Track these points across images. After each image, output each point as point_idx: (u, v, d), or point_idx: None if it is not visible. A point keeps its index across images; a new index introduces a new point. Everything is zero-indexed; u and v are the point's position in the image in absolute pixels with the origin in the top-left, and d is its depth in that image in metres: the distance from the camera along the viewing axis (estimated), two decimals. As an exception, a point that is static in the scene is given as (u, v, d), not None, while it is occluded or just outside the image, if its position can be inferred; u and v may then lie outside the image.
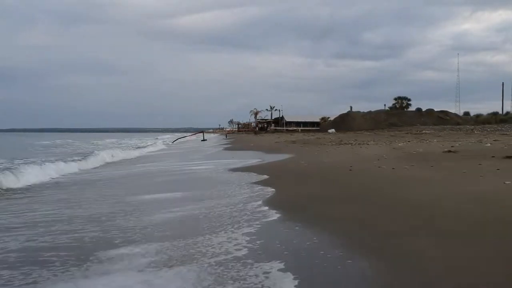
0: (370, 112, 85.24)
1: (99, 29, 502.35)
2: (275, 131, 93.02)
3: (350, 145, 29.39)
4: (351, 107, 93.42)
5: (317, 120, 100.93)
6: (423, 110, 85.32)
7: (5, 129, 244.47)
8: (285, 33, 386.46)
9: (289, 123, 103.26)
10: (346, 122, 78.88)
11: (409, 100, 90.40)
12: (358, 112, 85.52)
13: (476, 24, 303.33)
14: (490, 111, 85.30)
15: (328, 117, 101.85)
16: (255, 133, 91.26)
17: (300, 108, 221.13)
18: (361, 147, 26.53)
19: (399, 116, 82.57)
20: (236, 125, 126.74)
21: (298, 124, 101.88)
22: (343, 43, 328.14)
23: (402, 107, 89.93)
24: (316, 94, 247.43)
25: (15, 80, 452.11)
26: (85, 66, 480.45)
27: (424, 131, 48.35)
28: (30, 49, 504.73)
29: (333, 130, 71.36)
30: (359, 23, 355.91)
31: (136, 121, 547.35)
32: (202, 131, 76.89)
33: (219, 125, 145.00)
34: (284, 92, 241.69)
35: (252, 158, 22.59)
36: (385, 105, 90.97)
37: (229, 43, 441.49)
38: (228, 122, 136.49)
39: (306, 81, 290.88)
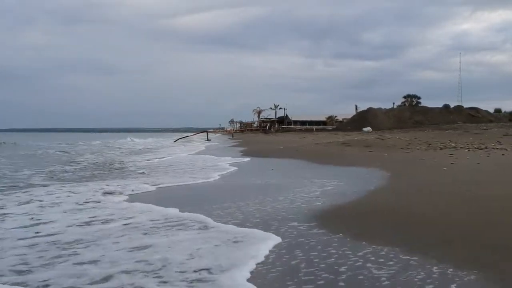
0: (392, 109, 75.10)
1: (99, 29, 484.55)
2: (289, 130, 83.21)
3: (466, 149, 18.74)
4: (356, 106, 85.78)
5: (323, 119, 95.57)
6: (451, 107, 75.49)
7: (4, 129, 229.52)
8: (285, 33, 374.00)
9: (294, 122, 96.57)
10: (367, 120, 68.29)
11: (419, 98, 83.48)
12: (380, 108, 75.24)
13: (476, 24, 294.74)
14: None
15: (335, 116, 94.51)
16: (265, 132, 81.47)
17: (300, 108, 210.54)
18: (495, 153, 15.96)
19: (425, 114, 72.63)
20: (238, 125, 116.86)
21: (303, 123, 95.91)
22: (343, 43, 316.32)
23: (411, 105, 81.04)
24: (316, 94, 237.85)
25: (15, 80, 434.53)
26: (85, 66, 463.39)
27: (490, 129, 38.06)
28: (30, 49, 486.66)
29: (369, 128, 60.49)
30: (359, 23, 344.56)
31: (136, 121, 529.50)
32: (205, 130, 69.70)
33: (220, 124, 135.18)
34: (284, 92, 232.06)
35: (316, 176, 12.23)
36: (393, 103, 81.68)
37: (229, 43, 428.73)
38: (229, 121, 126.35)
39: (306, 81, 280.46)
